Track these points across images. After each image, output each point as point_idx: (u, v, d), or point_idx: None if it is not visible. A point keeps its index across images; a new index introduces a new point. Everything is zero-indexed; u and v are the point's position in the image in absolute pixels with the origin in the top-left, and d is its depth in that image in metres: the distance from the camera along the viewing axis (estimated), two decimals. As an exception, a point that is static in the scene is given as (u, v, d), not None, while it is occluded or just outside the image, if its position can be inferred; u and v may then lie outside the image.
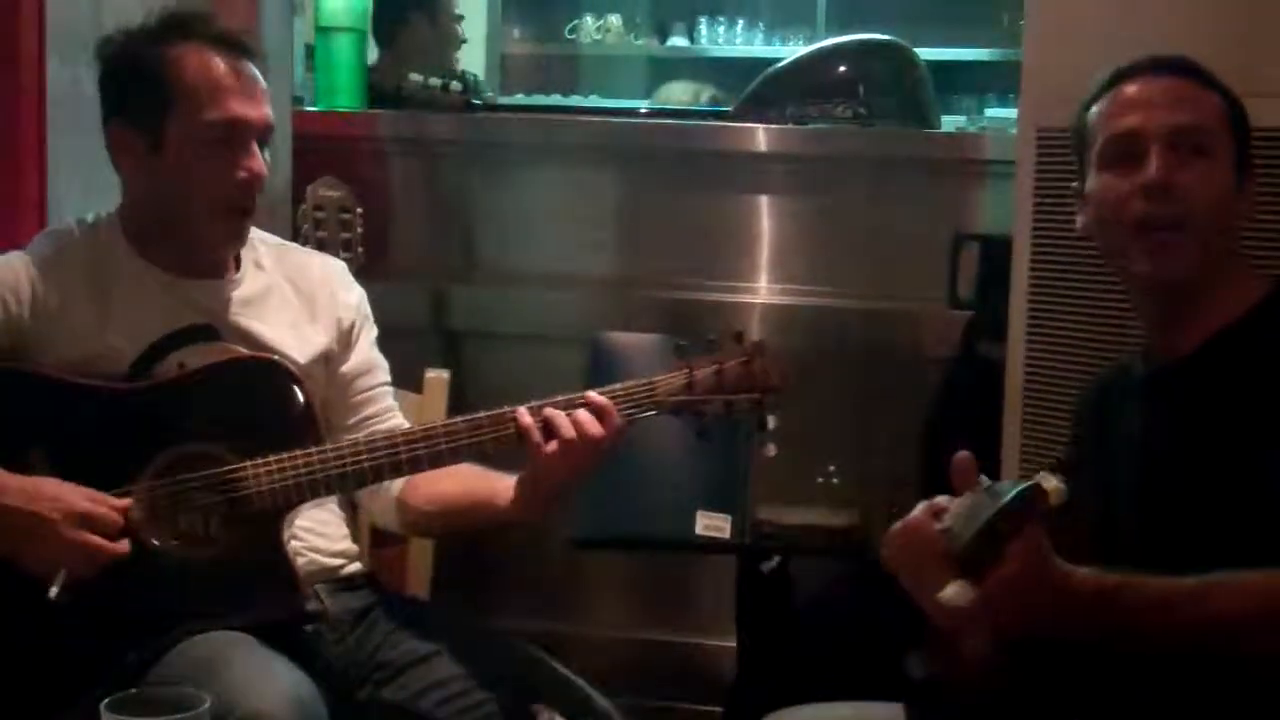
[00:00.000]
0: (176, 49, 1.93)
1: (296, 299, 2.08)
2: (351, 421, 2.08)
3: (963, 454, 1.47)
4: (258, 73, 1.96)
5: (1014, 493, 1.39)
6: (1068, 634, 1.49)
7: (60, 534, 1.76)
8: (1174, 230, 1.68)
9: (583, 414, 1.86)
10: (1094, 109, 1.76)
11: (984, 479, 1.45)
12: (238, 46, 1.95)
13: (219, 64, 1.92)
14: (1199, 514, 1.61)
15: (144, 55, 1.94)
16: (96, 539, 1.77)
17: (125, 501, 1.81)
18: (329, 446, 1.89)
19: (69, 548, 1.76)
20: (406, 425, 2.06)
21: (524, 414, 1.87)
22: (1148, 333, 1.79)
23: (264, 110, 1.95)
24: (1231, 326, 1.68)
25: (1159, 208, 1.68)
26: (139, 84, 1.94)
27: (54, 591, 1.77)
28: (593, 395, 1.88)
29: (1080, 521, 1.75)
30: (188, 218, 1.96)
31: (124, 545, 1.80)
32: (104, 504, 1.80)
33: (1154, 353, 1.77)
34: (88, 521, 1.77)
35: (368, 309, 2.16)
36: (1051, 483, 1.40)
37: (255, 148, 1.93)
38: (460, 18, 4.08)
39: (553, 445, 1.86)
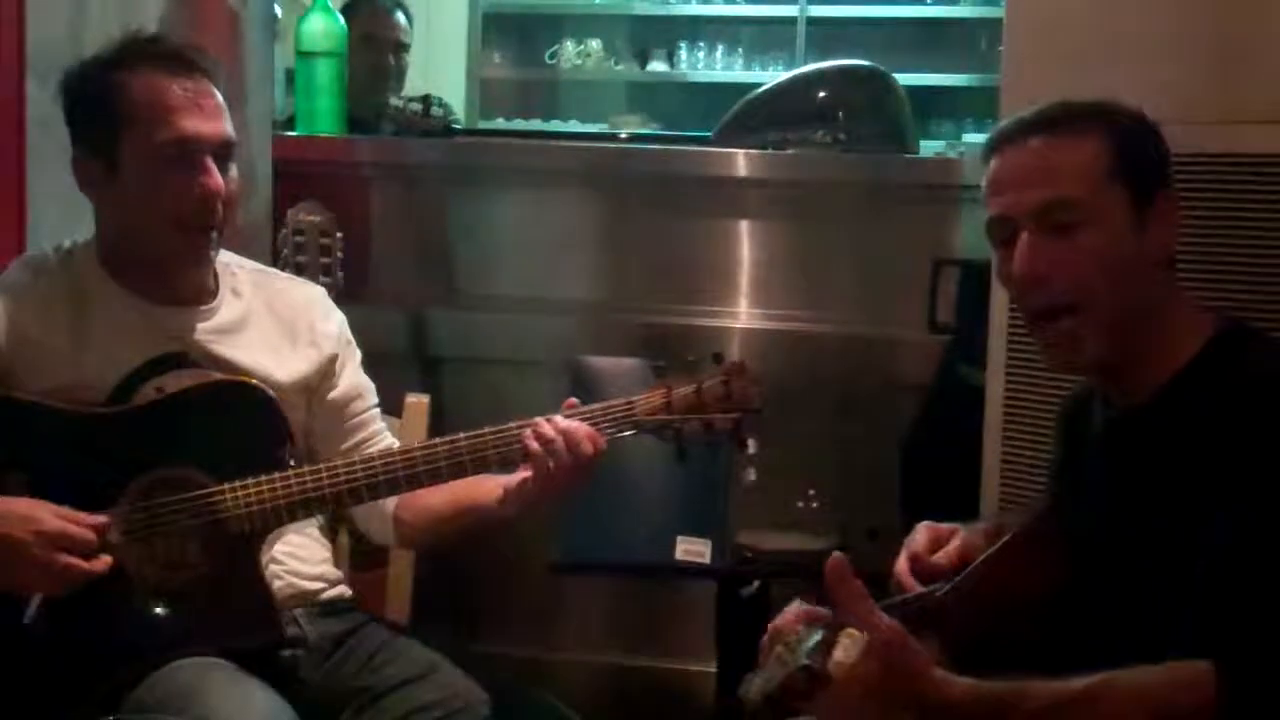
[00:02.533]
0: (125, 73, 1.93)
1: (275, 326, 2.07)
2: (345, 447, 2.08)
3: (836, 557, 1.42)
4: (213, 89, 1.95)
5: (795, 667, 1.35)
6: None
7: (34, 555, 1.74)
8: (1068, 315, 1.60)
9: (576, 434, 1.89)
10: (981, 181, 1.68)
11: (801, 630, 1.40)
12: (187, 64, 1.94)
13: (167, 83, 1.91)
14: (1149, 571, 1.57)
15: (95, 82, 1.95)
16: (70, 559, 1.75)
17: (101, 518, 1.79)
18: (305, 469, 1.89)
19: (43, 569, 1.74)
20: (397, 444, 2.08)
21: (531, 440, 1.90)
22: (1100, 385, 1.73)
23: (218, 126, 1.94)
24: (1182, 373, 1.59)
25: (1041, 300, 1.61)
26: (91, 112, 1.95)
27: (29, 615, 1.76)
28: (576, 424, 1.90)
29: (1056, 538, 1.75)
30: (150, 239, 1.95)
31: (101, 562, 1.77)
32: (78, 522, 1.77)
33: (1111, 400, 1.70)
34: (62, 541, 1.75)
35: (349, 334, 2.16)
36: (840, 655, 1.34)
37: (210, 164, 1.92)
38: (404, 46, 4.05)
39: (550, 464, 1.88)
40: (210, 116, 1.93)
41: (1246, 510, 1.46)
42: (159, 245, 1.95)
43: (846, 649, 1.34)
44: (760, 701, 1.39)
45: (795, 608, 1.50)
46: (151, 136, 1.91)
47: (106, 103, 1.93)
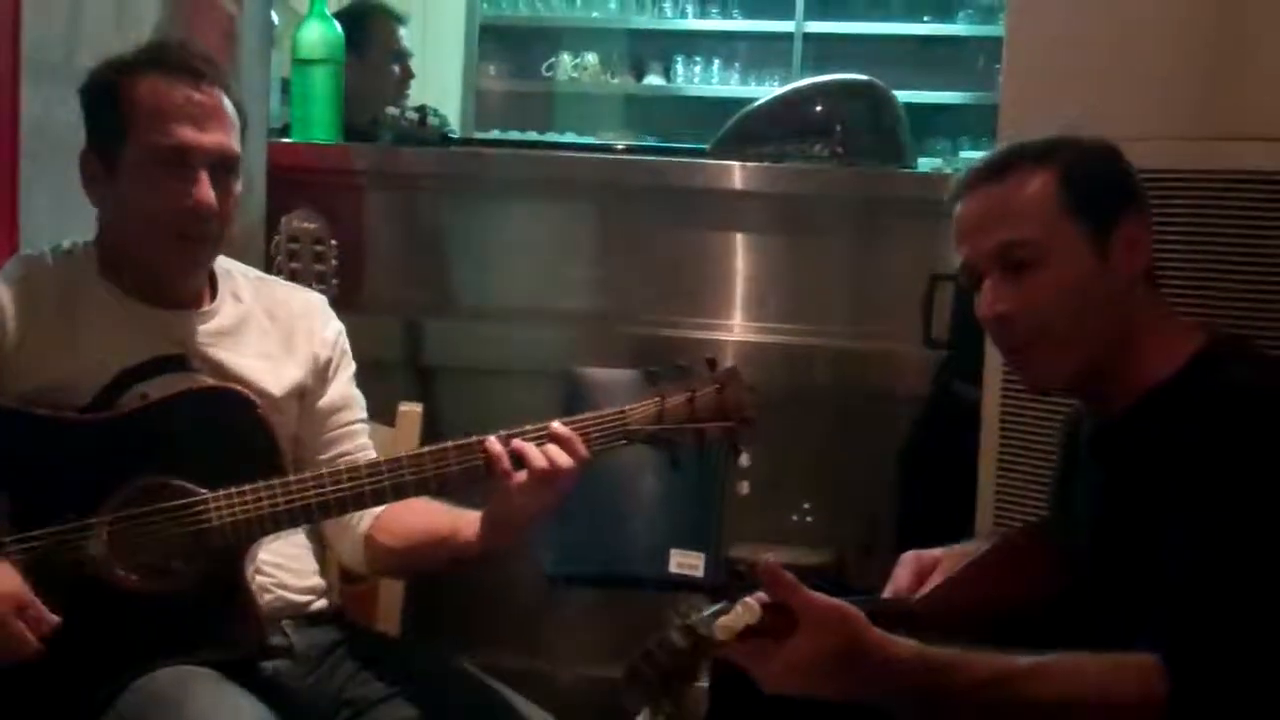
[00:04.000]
0: (135, 76, 1.92)
1: (273, 332, 2.06)
2: (325, 457, 2.06)
3: (766, 562, 1.47)
4: (222, 101, 1.94)
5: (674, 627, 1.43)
6: (890, 705, 1.47)
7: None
8: (1030, 347, 1.66)
9: (550, 444, 1.84)
10: None
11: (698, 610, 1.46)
12: (196, 73, 1.93)
13: (173, 90, 1.91)
14: (1126, 581, 1.60)
15: (106, 83, 1.94)
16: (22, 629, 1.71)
17: (54, 619, 1.75)
18: (292, 478, 1.86)
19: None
20: None
21: (494, 442, 1.85)
22: (1085, 401, 1.77)
23: (219, 138, 1.92)
24: (1158, 388, 1.62)
25: (1007, 338, 1.68)
26: (100, 110, 1.95)
27: None
28: (556, 426, 1.86)
29: (1037, 550, 1.75)
30: (140, 243, 1.94)
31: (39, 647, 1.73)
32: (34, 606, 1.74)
33: (1096, 413, 1.74)
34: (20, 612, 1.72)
35: (346, 344, 2.14)
36: (729, 620, 1.41)
37: (204, 176, 1.90)
38: (406, 54, 4.05)
39: (521, 475, 1.83)
40: (210, 128, 1.92)
41: (1199, 514, 1.48)
42: (149, 250, 1.94)
43: (736, 615, 1.41)
44: (639, 657, 1.44)
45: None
46: (148, 142, 1.90)
47: (113, 103, 1.92)
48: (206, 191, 1.90)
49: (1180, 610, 1.47)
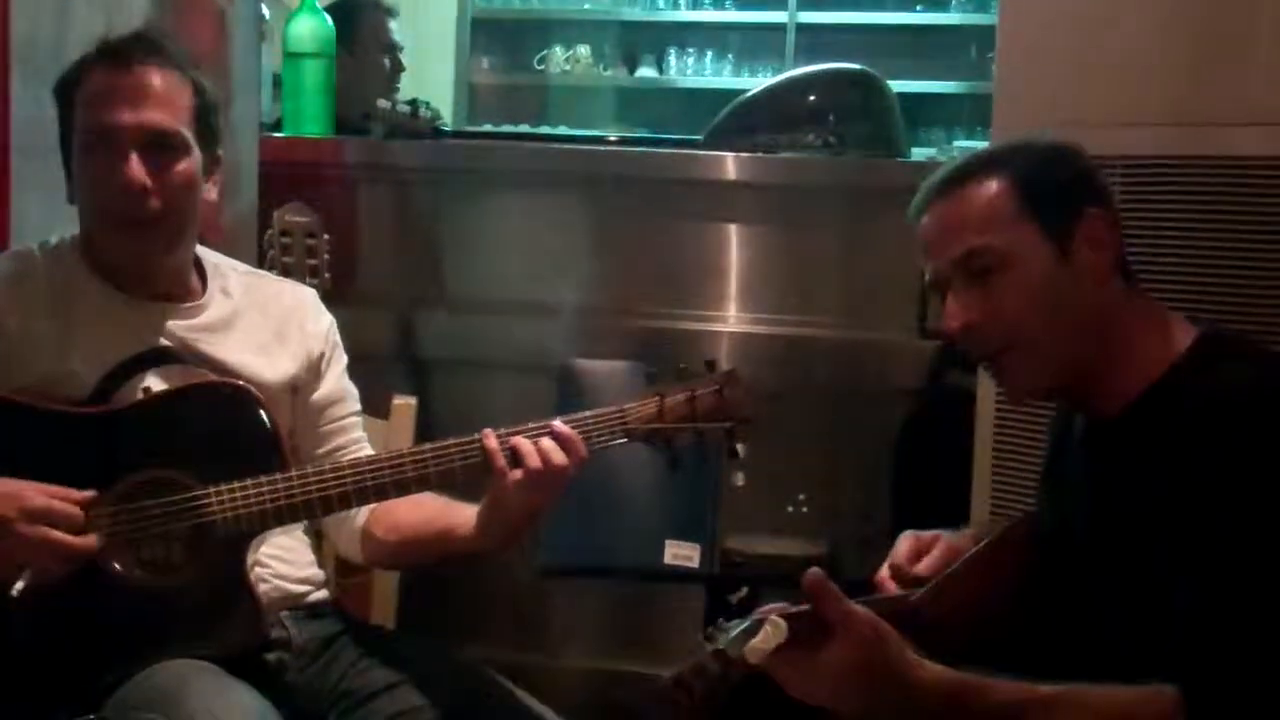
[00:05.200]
0: (86, 70, 1.92)
1: (264, 326, 2.05)
2: (320, 451, 2.06)
3: (814, 573, 1.45)
4: (152, 78, 1.89)
5: (707, 651, 1.43)
6: None
7: (19, 531, 1.71)
8: (1003, 354, 1.65)
9: (547, 442, 1.84)
10: None
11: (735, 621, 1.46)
12: (122, 54, 1.90)
13: (104, 75, 1.90)
14: (1122, 579, 1.59)
15: (63, 80, 1.95)
16: (57, 534, 1.72)
17: (88, 494, 1.76)
18: (294, 473, 1.87)
19: (30, 545, 1.72)
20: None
21: (490, 438, 1.85)
22: (1071, 405, 1.75)
23: (147, 115, 1.88)
24: (1156, 385, 1.60)
25: (978, 346, 1.67)
26: (59, 108, 1.95)
27: (18, 588, 1.73)
28: (558, 425, 1.86)
29: (1032, 544, 1.75)
30: (98, 234, 1.94)
31: (90, 540, 1.75)
32: (64, 498, 1.75)
33: (1088, 412, 1.72)
34: (47, 517, 1.73)
35: (338, 338, 2.14)
36: (758, 641, 1.39)
37: (130, 154, 1.86)
38: (396, 47, 4.04)
39: (518, 473, 1.83)
40: (135, 106, 1.88)
41: (1214, 533, 1.46)
42: (103, 239, 1.94)
43: (766, 636, 1.38)
44: (671, 683, 1.44)
45: (757, 612, 1.50)
46: (80, 127, 1.90)
47: (66, 99, 1.93)
48: (132, 170, 1.86)
49: (1194, 638, 1.45)
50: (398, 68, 4.07)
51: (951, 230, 1.66)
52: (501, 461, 1.84)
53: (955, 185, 1.67)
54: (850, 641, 1.41)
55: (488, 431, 1.85)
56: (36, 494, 1.74)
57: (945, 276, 1.67)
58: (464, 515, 1.95)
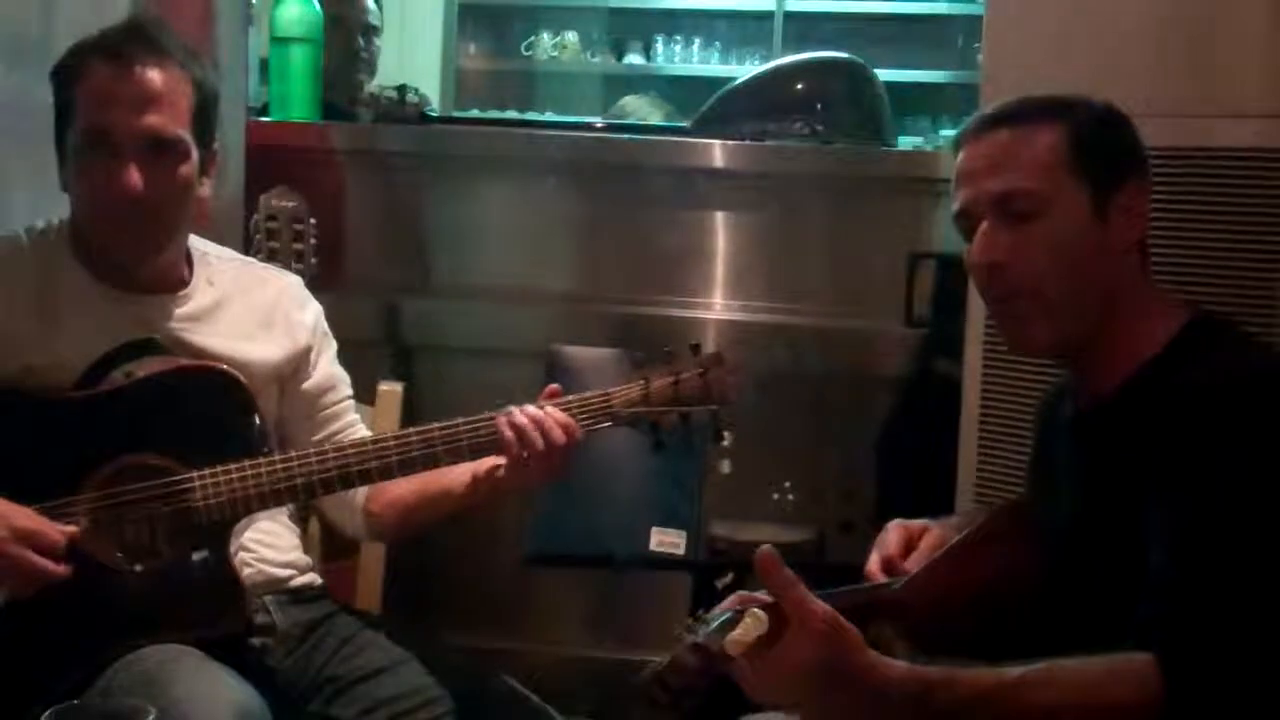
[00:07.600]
0: (86, 61, 1.89)
1: (249, 314, 2.05)
2: (317, 438, 2.06)
3: (765, 550, 1.39)
4: (152, 80, 1.87)
5: (687, 645, 1.41)
6: None
7: (3, 551, 1.72)
8: (1021, 298, 1.64)
9: (550, 424, 1.88)
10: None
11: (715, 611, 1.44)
12: (134, 56, 1.87)
13: (107, 74, 1.87)
14: (1111, 564, 1.58)
15: (62, 67, 1.93)
16: (39, 559, 1.73)
17: (71, 529, 1.77)
18: (277, 457, 1.87)
19: (9, 565, 1.72)
20: (369, 436, 2.05)
21: (504, 425, 1.88)
22: (1071, 374, 1.75)
23: (149, 120, 1.86)
24: (1148, 366, 1.61)
25: (998, 286, 1.66)
26: (57, 95, 1.93)
27: None
28: (554, 412, 1.89)
29: (1019, 532, 1.76)
30: (90, 228, 1.94)
31: (65, 569, 1.75)
32: (48, 525, 1.76)
33: (1081, 391, 1.71)
34: (32, 540, 1.73)
35: (325, 325, 2.14)
36: (738, 634, 1.34)
37: (127, 158, 1.85)
38: (375, 29, 4.00)
39: (526, 454, 1.87)
40: (136, 110, 1.86)
41: (1192, 505, 1.46)
42: (95, 234, 1.94)
43: (746, 628, 1.34)
44: (650, 679, 1.40)
45: (732, 597, 1.49)
46: (80, 125, 1.88)
47: (65, 87, 1.91)
48: (128, 176, 1.85)
49: (1172, 607, 1.44)
50: (372, 51, 4.02)
51: (999, 165, 1.64)
52: (516, 450, 1.87)
53: (1010, 123, 1.66)
54: (802, 633, 1.35)
55: (499, 415, 1.89)
56: (25, 518, 1.75)
57: (979, 209, 1.65)
58: (456, 475, 1.98)
